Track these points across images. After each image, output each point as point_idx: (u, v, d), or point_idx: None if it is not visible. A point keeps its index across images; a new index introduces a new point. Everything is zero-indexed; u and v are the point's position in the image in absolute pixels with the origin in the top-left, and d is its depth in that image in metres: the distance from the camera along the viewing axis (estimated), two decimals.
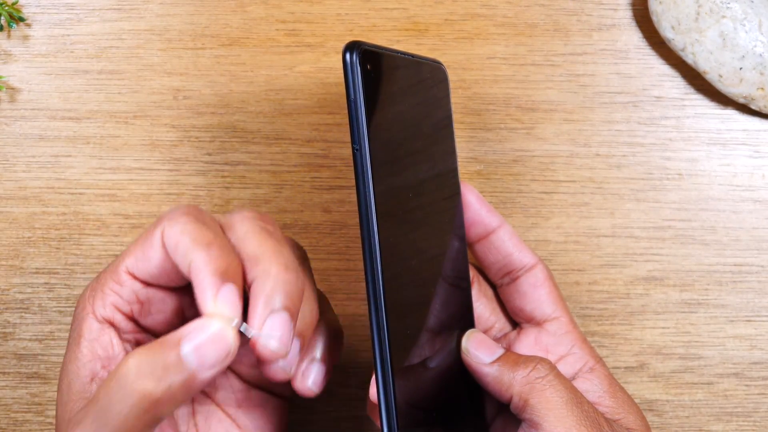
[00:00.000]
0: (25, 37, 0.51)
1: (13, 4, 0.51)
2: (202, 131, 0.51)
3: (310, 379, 0.39)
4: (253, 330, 0.35)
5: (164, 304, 0.39)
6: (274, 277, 0.35)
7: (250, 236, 0.37)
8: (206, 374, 0.34)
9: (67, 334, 0.51)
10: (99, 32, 0.51)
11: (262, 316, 0.35)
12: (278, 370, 0.38)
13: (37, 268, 0.51)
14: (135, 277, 0.38)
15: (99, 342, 0.38)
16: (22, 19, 0.51)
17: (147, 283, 0.38)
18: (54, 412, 0.52)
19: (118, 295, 0.38)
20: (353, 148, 0.37)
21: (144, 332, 0.40)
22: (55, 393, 0.50)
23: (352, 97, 0.36)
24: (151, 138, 0.51)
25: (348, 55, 0.36)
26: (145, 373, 0.34)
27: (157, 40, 0.51)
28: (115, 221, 0.51)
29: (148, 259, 0.37)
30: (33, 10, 0.51)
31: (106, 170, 0.51)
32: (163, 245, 0.36)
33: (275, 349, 0.35)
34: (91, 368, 0.38)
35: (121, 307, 0.38)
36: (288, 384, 0.40)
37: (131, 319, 0.39)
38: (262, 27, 0.52)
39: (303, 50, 0.51)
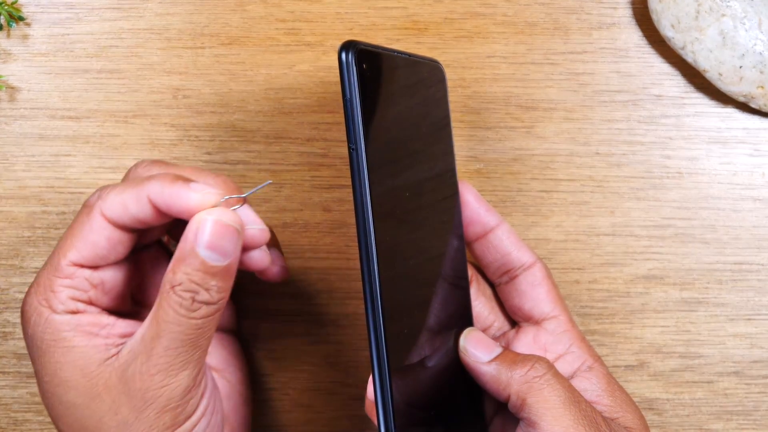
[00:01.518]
0: (25, 37, 0.51)
1: (13, 3, 0.51)
2: (201, 130, 0.51)
3: (279, 264, 0.43)
4: (243, 194, 0.39)
5: (114, 280, 0.41)
6: (222, 180, 0.41)
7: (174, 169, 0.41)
8: (230, 258, 0.38)
9: None
10: (98, 31, 0.51)
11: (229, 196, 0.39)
12: (262, 257, 0.41)
13: (36, 268, 0.51)
14: (83, 266, 0.39)
15: (81, 324, 0.39)
16: (21, 18, 0.51)
17: (95, 267, 0.40)
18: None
19: (73, 287, 0.39)
20: (349, 148, 0.37)
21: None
22: None
23: (348, 96, 0.36)
24: (150, 137, 0.51)
25: (344, 55, 0.36)
26: (185, 287, 0.37)
27: (156, 39, 0.51)
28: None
29: (93, 243, 0.39)
30: (32, 9, 0.51)
31: (105, 169, 0.51)
32: (104, 217, 0.39)
33: (261, 231, 0.40)
34: (95, 349, 0.38)
35: (79, 297, 0.39)
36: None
37: (90, 304, 0.40)
38: (262, 26, 0.51)
39: (302, 49, 0.51)
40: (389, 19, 0.52)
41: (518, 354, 0.41)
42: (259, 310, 0.52)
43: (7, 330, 0.51)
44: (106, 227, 0.39)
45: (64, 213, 0.51)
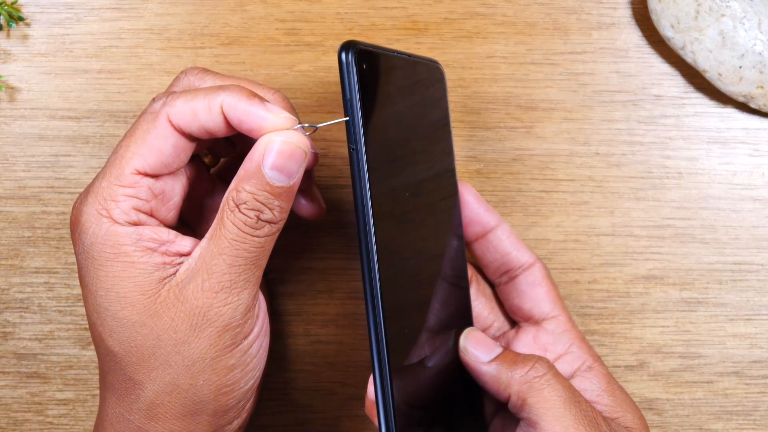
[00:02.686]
0: (25, 37, 0.51)
1: (13, 3, 0.51)
2: None
3: (319, 201, 0.45)
4: (318, 125, 0.39)
5: (173, 191, 0.40)
6: (280, 97, 0.42)
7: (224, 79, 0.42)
8: (294, 179, 0.38)
9: (67, 334, 0.51)
10: (98, 31, 0.51)
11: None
12: (312, 188, 0.44)
13: (36, 268, 0.51)
14: (147, 175, 0.39)
15: (143, 239, 0.38)
16: (21, 19, 0.51)
17: (157, 176, 0.39)
18: (53, 412, 0.52)
19: (136, 197, 0.38)
20: (349, 148, 0.37)
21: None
22: (55, 393, 0.50)
23: (348, 96, 0.36)
24: None
25: (344, 55, 0.36)
26: (249, 206, 0.37)
27: (156, 39, 0.51)
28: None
29: (159, 150, 0.38)
30: (32, 10, 0.51)
31: None
32: (172, 124, 0.38)
33: (315, 155, 0.41)
34: (155, 267, 0.38)
35: (141, 208, 0.39)
36: None
37: (151, 216, 0.40)
38: (262, 26, 0.51)
39: (302, 49, 0.51)
40: (389, 19, 0.52)
41: (518, 354, 0.41)
42: None
43: (7, 330, 0.51)
44: (173, 134, 0.38)
45: (64, 213, 0.51)
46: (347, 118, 0.37)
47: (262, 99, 0.38)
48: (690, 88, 0.52)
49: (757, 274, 0.52)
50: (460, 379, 0.42)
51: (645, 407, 0.52)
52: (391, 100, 0.39)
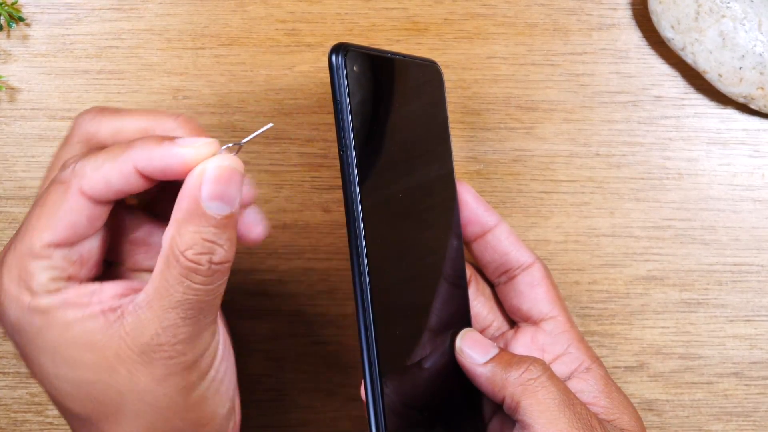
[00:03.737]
0: (25, 37, 0.51)
1: (13, 3, 0.51)
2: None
3: (261, 223, 0.40)
4: (242, 141, 0.37)
5: (91, 252, 0.38)
6: (183, 120, 0.39)
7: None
8: (236, 204, 0.35)
9: None
10: (98, 32, 0.51)
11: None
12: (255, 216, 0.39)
13: None
14: (59, 246, 0.36)
15: (68, 301, 0.36)
16: (21, 19, 0.51)
17: (72, 244, 0.37)
18: (53, 412, 0.52)
19: (51, 269, 0.36)
20: (339, 151, 0.37)
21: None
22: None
23: (338, 99, 0.36)
24: None
25: (334, 57, 0.36)
26: (188, 247, 0.35)
27: (156, 39, 0.51)
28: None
29: (72, 223, 0.36)
30: (32, 10, 0.51)
31: None
32: (84, 195, 0.35)
33: (251, 186, 0.38)
34: (93, 320, 0.36)
35: (59, 276, 0.36)
36: None
37: (71, 280, 0.37)
38: (262, 27, 0.51)
39: (303, 50, 0.51)
40: (389, 20, 0.52)
41: (514, 355, 0.41)
42: (259, 310, 0.52)
43: None
44: (87, 206, 0.36)
45: None
46: (271, 124, 0.37)
47: (171, 139, 0.36)
48: (690, 89, 0.52)
49: (757, 275, 0.52)
50: (459, 379, 0.42)
51: (645, 408, 0.52)
52: (384, 101, 0.39)
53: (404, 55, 0.41)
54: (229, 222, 0.35)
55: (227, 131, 0.51)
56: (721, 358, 0.52)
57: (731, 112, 0.52)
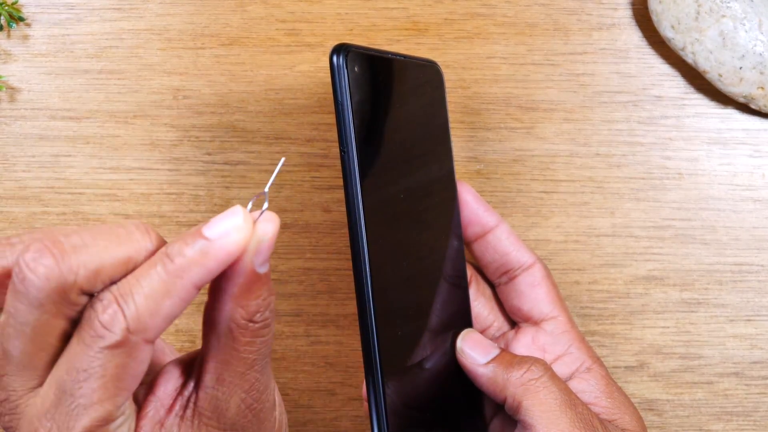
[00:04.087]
0: (25, 37, 0.51)
1: (13, 3, 0.51)
2: (201, 131, 0.51)
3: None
4: (265, 189, 0.32)
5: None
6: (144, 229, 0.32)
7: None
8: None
9: None
10: (99, 32, 0.51)
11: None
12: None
13: None
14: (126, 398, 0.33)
15: None
16: (21, 19, 0.51)
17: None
18: None
19: (125, 417, 0.32)
20: (340, 151, 0.37)
21: None
22: None
23: (340, 99, 0.36)
24: (150, 138, 0.51)
25: (335, 58, 0.36)
26: (262, 311, 0.32)
27: (156, 39, 0.51)
28: (115, 221, 0.51)
29: (137, 377, 0.31)
30: (33, 10, 0.51)
31: (106, 170, 0.51)
32: (149, 343, 0.31)
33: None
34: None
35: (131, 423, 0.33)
36: None
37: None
38: (262, 26, 0.51)
39: (303, 50, 0.51)
40: (389, 20, 0.52)
41: (515, 356, 0.41)
42: None
43: None
44: (148, 349, 0.31)
45: (64, 213, 0.51)
46: (283, 159, 0.34)
47: (199, 233, 0.31)
48: (690, 89, 0.52)
49: (758, 275, 0.52)
50: (460, 379, 0.42)
51: (645, 408, 0.52)
52: (385, 102, 0.39)
53: (405, 56, 0.42)
54: (268, 276, 0.33)
55: (227, 131, 0.51)
56: (722, 358, 0.52)
57: (731, 112, 0.52)
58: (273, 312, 0.33)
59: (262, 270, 0.31)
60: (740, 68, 0.48)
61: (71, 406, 0.30)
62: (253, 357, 0.33)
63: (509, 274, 0.45)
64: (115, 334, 0.29)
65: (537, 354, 0.44)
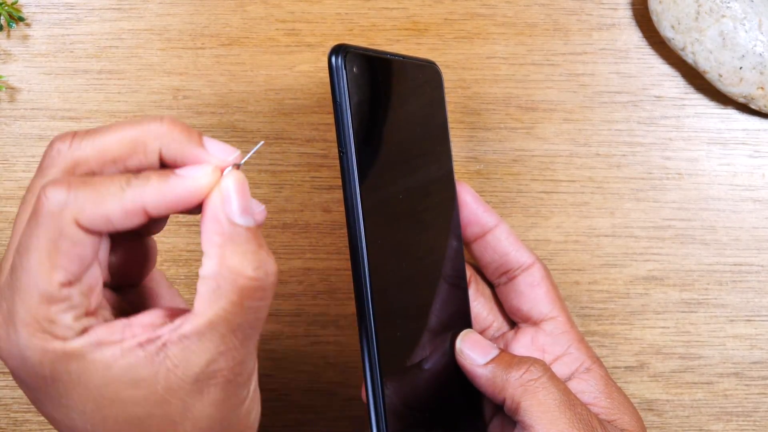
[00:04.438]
0: (25, 37, 0.51)
1: (13, 3, 0.51)
2: (201, 131, 0.51)
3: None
4: (240, 162, 0.35)
5: (95, 279, 0.35)
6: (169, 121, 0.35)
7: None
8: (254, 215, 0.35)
9: None
10: (99, 32, 0.51)
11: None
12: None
13: None
14: (72, 283, 0.34)
15: (102, 338, 0.34)
16: (21, 19, 0.51)
17: (81, 277, 0.34)
18: None
19: (71, 308, 0.34)
20: (339, 152, 0.37)
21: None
22: None
23: (338, 100, 0.36)
24: None
25: (334, 59, 0.36)
26: (246, 266, 0.33)
27: (156, 39, 0.51)
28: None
29: (79, 257, 0.33)
30: (33, 10, 0.51)
31: None
32: (82, 227, 0.33)
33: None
34: (133, 355, 0.34)
35: (80, 314, 0.34)
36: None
37: (92, 315, 0.35)
38: (262, 27, 0.51)
39: (303, 50, 0.51)
40: (389, 20, 0.52)
41: (514, 356, 0.41)
42: None
43: None
44: (86, 237, 0.33)
45: None
46: (262, 142, 0.36)
47: (170, 171, 0.34)
48: (690, 89, 0.52)
49: (758, 275, 0.52)
50: (459, 380, 0.42)
51: (645, 408, 0.52)
52: (384, 102, 0.39)
53: (403, 56, 0.42)
54: (257, 233, 0.34)
55: (227, 131, 0.51)
56: (722, 358, 0.52)
57: (731, 112, 0.52)
58: (270, 277, 0.34)
59: (241, 221, 0.33)
60: (740, 68, 0.48)
61: (17, 283, 0.33)
62: (238, 320, 0.33)
63: (509, 274, 0.45)
64: (49, 205, 0.32)
65: (536, 354, 0.44)
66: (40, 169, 0.35)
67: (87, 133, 0.35)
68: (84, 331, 0.34)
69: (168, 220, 0.38)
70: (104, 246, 0.36)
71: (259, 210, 0.36)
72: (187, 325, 0.34)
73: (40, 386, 0.34)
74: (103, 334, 0.34)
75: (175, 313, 0.35)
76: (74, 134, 0.35)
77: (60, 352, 0.33)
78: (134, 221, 0.34)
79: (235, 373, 0.35)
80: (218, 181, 0.34)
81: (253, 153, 0.36)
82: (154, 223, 0.38)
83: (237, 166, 0.35)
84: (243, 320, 0.34)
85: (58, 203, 0.33)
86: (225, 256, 0.33)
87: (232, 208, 0.33)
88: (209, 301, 0.33)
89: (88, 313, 0.34)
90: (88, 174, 0.34)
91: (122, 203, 0.33)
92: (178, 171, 0.34)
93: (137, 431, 0.34)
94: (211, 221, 0.33)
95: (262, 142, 0.36)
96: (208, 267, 0.34)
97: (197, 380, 0.34)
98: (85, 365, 0.33)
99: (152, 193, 0.33)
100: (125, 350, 0.33)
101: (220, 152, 0.35)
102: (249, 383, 0.36)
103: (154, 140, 0.34)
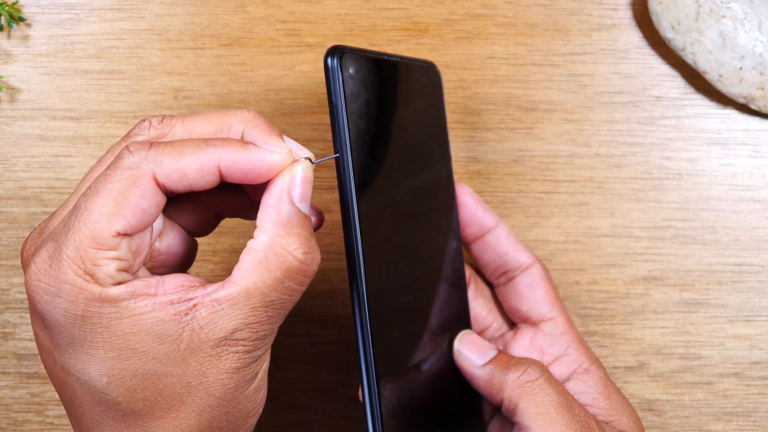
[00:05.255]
0: (25, 37, 0.51)
1: (13, 4, 0.51)
2: None
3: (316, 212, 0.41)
4: (313, 160, 0.37)
5: (145, 243, 0.37)
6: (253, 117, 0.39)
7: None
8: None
9: None
10: (99, 32, 0.51)
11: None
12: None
13: None
14: (127, 235, 0.35)
15: (138, 292, 0.35)
16: (22, 19, 0.51)
17: (138, 233, 0.36)
18: (54, 412, 0.52)
19: (118, 259, 0.35)
20: (335, 153, 0.37)
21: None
22: (55, 393, 0.50)
23: (334, 101, 0.36)
24: None
25: (329, 60, 0.36)
26: (297, 248, 0.35)
27: (157, 40, 0.51)
28: None
29: (143, 211, 0.35)
30: (33, 10, 0.51)
31: None
32: (158, 183, 0.35)
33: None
34: (164, 311, 0.35)
35: (124, 268, 0.35)
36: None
37: (130, 272, 0.36)
38: (262, 27, 0.52)
39: (303, 50, 0.51)
40: (389, 20, 0.52)
41: (512, 357, 0.41)
42: None
43: (7, 330, 0.52)
44: (157, 193, 0.35)
45: None
46: (337, 155, 0.37)
47: (251, 144, 0.36)
48: (690, 90, 0.52)
49: (758, 275, 0.52)
50: (457, 381, 0.42)
51: (645, 408, 0.52)
52: (381, 104, 0.39)
53: (402, 57, 0.41)
54: (310, 222, 0.36)
55: None
56: (721, 359, 0.52)
57: (731, 113, 0.52)
58: (316, 266, 0.36)
59: (301, 206, 0.36)
60: (740, 69, 0.49)
61: (75, 221, 0.34)
62: (273, 297, 0.35)
63: (508, 274, 0.45)
64: (132, 159, 0.35)
65: (535, 355, 0.44)
66: (128, 135, 0.38)
67: (177, 116, 0.38)
68: (124, 282, 0.35)
69: (216, 226, 0.40)
70: (157, 225, 0.38)
71: (317, 212, 0.39)
72: (222, 291, 0.35)
73: (65, 327, 0.35)
74: (140, 286, 0.35)
75: (206, 282, 0.36)
76: (163, 116, 0.38)
77: (98, 295, 0.34)
78: (209, 180, 0.35)
79: (255, 346, 0.36)
80: (290, 165, 0.36)
81: (325, 160, 0.38)
82: (206, 221, 0.40)
83: (310, 162, 0.37)
84: (277, 298, 0.35)
85: (139, 156, 0.35)
86: (279, 233, 0.35)
87: (296, 191, 0.36)
88: (252, 271, 0.35)
89: (129, 271, 0.36)
90: None
91: (200, 158, 0.35)
92: (262, 145, 0.36)
93: (152, 389, 0.35)
94: (274, 198, 0.35)
95: (337, 155, 0.37)
96: (260, 239, 0.35)
97: (218, 345, 0.35)
98: (117, 311, 0.35)
99: (230, 154, 0.35)
100: (157, 304, 0.35)
101: (296, 146, 0.37)
102: (263, 360, 0.37)
103: (239, 123, 0.37)
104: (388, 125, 0.39)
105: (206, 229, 0.40)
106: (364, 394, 0.37)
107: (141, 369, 0.35)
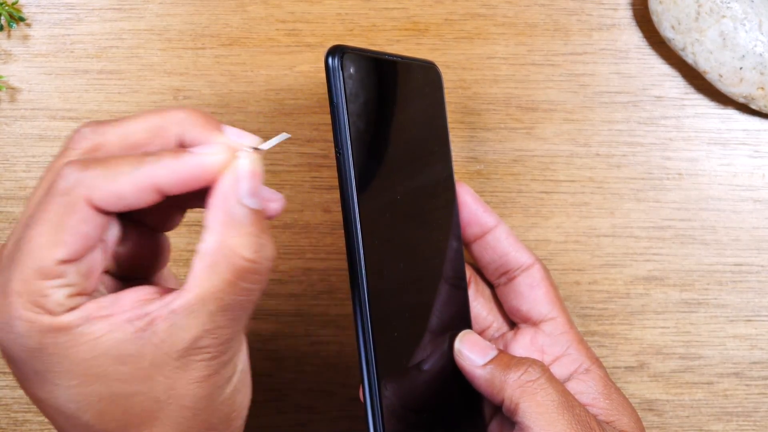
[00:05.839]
0: (25, 37, 0.51)
1: (13, 3, 0.51)
2: None
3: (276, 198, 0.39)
4: (264, 144, 0.36)
5: (96, 262, 0.36)
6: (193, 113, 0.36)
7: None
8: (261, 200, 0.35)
9: None
10: (99, 32, 0.51)
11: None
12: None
13: None
14: (71, 261, 0.34)
15: (92, 313, 0.34)
16: (22, 19, 0.51)
17: (83, 257, 0.35)
18: None
19: (66, 286, 0.34)
20: (336, 153, 0.37)
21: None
22: None
23: (335, 101, 0.36)
24: None
25: (330, 60, 0.36)
26: (246, 248, 0.34)
27: (157, 39, 0.51)
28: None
29: (84, 236, 0.34)
30: (33, 10, 0.51)
31: None
32: (92, 206, 0.33)
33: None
34: (121, 331, 0.34)
35: (74, 293, 0.34)
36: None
37: (84, 294, 0.35)
38: (262, 27, 0.52)
39: (303, 50, 0.51)
40: (390, 20, 0.52)
41: (513, 357, 0.41)
42: (260, 310, 0.52)
43: None
44: (95, 216, 0.33)
45: None
46: (287, 135, 0.35)
47: (183, 149, 0.34)
48: (690, 89, 0.52)
49: (758, 275, 0.52)
50: (458, 381, 0.42)
51: (645, 408, 0.52)
52: (381, 103, 0.39)
53: (402, 57, 0.41)
54: (261, 217, 0.35)
55: None
56: (722, 358, 0.52)
57: (731, 112, 0.52)
58: (267, 262, 0.34)
59: (248, 203, 0.34)
60: (740, 68, 0.49)
61: (18, 254, 0.33)
62: (229, 300, 0.34)
63: (508, 274, 0.45)
64: (64, 183, 0.33)
65: (535, 355, 0.44)
66: (63, 150, 0.36)
67: (111, 121, 0.35)
68: (75, 307, 0.34)
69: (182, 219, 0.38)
70: (113, 233, 0.36)
71: (276, 197, 0.37)
72: (177, 300, 0.34)
73: (26, 360, 0.34)
74: (93, 309, 0.34)
75: (165, 291, 0.35)
76: (99, 122, 0.36)
77: (47, 326, 0.33)
78: (147, 199, 0.34)
79: (220, 351, 0.35)
80: (231, 161, 0.34)
81: (276, 143, 0.36)
82: (169, 216, 0.38)
83: (257, 153, 0.35)
84: (234, 300, 0.34)
85: (72, 180, 0.33)
86: (226, 235, 0.34)
87: (241, 189, 0.34)
88: (202, 277, 0.34)
89: (83, 293, 0.35)
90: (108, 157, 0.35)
91: (134, 180, 0.33)
92: (191, 149, 0.34)
93: (121, 410, 0.35)
94: (218, 198, 0.34)
95: (287, 135, 0.36)
96: (208, 243, 0.34)
97: (182, 356, 0.34)
98: (73, 338, 0.34)
99: (164, 170, 0.33)
100: (113, 325, 0.34)
101: (237, 136, 0.35)
102: (234, 363, 0.36)
103: (174, 126, 0.35)
104: (388, 125, 0.39)
105: (171, 224, 0.39)
106: (365, 394, 0.37)
107: (106, 392, 0.34)
